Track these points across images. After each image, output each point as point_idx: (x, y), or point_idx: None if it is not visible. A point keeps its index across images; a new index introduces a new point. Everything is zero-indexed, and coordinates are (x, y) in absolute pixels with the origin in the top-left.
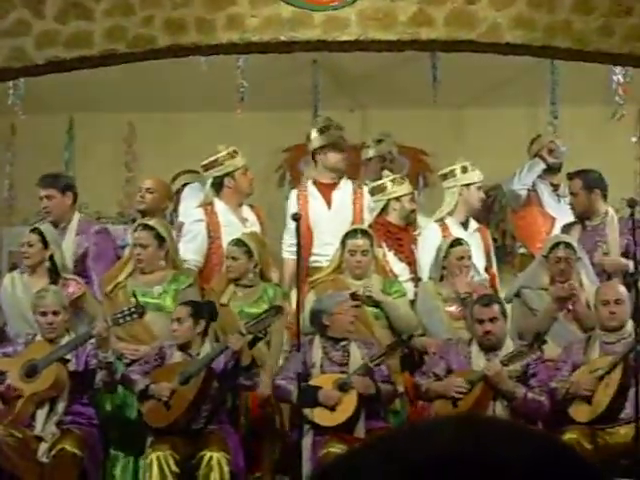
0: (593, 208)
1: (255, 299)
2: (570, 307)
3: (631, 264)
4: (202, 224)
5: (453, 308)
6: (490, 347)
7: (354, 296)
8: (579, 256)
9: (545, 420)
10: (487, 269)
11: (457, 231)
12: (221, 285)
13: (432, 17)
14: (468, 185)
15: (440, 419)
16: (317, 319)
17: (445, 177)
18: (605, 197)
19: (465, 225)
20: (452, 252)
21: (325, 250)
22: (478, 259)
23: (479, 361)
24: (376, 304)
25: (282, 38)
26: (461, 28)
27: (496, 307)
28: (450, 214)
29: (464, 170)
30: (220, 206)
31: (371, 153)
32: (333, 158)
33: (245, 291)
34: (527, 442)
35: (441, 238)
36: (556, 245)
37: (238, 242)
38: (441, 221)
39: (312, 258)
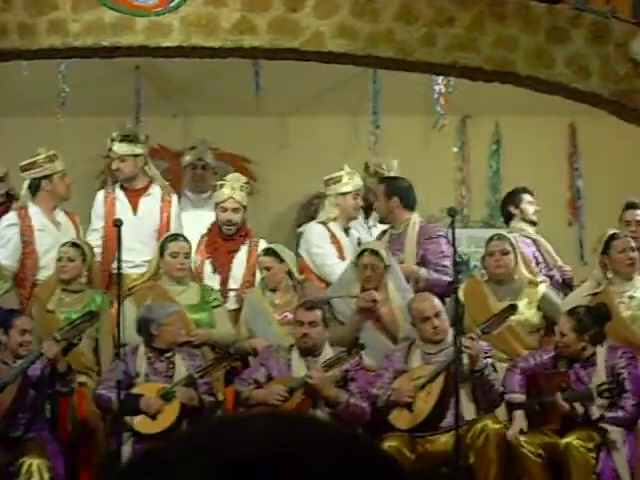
0: (392, 215)
1: (82, 306)
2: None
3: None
4: (15, 228)
5: (282, 314)
6: (306, 351)
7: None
8: (388, 264)
9: (366, 426)
10: None
11: (341, 236)
12: (47, 291)
13: (255, 24)
14: (344, 194)
15: (252, 415)
16: (145, 328)
17: (327, 184)
18: (407, 206)
19: (347, 232)
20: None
21: (128, 256)
22: None
23: (300, 367)
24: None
25: (104, 43)
26: (284, 36)
27: (318, 312)
28: (334, 220)
29: (338, 179)
30: (33, 209)
31: (186, 160)
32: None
33: (73, 297)
34: (337, 441)
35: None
36: (363, 252)
37: (74, 244)
38: (324, 224)
39: (114, 264)
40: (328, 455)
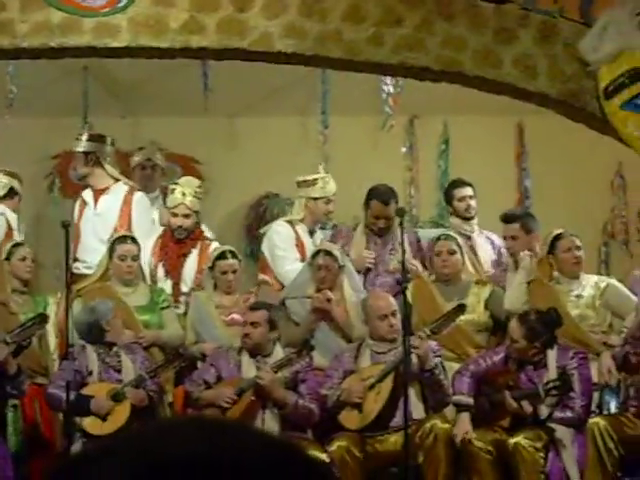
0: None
1: (33, 307)
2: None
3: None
4: None
5: (229, 315)
6: (250, 351)
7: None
8: (342, 264)
9: (315, 427)
10: None
11: (306, 238)
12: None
13: (203, 25)
14: (315, 198)
15: (184, 418)
16: (96, 327)
17: (299, 185)
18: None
19: (312, 234)
20: (217, 265)
21: (89, 256)
22: None
23: (249, 368)
24: None
25: (52, 44)
26: (232, 36)
27: (261, 313)
28: (301, 221)
29: (313, 183)
30: None
31: (135, 161)
32: (81, 170)
33: (23, 298)
34: (272, 448)
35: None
36: (317, 253)
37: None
38: (290, 224)
39: (75, 264)
40: (262, 461)
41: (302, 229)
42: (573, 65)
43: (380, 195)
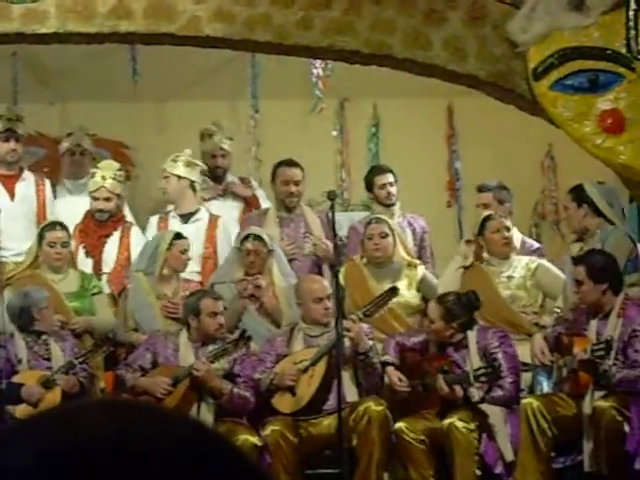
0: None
1: None
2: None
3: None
4: None
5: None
6: (194, 341)
7: None
8: (271, 248)
9: (250, 413)
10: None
11: (174, 223)
12: None
13: (131, 9)
14: (179, 177)
15: (87, 403)
16: (27, 313)
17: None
18: None
19: (187, 217)
20: (175, 245)
21: (11, 243)
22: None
23: (187, 354)
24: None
25: None
26: (160, 21)
27: (221, 303)
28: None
29: (174, 160)
30: None
31: (64, 147)
32: (2, 148)
33: None
34: (173, 429)
35: (156, 231)
36: (246, 237)
37: None
38: (165, 214)
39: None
40: (172, 447)
41: (172, 215)
42: (502, 46)
43: (284, 162)
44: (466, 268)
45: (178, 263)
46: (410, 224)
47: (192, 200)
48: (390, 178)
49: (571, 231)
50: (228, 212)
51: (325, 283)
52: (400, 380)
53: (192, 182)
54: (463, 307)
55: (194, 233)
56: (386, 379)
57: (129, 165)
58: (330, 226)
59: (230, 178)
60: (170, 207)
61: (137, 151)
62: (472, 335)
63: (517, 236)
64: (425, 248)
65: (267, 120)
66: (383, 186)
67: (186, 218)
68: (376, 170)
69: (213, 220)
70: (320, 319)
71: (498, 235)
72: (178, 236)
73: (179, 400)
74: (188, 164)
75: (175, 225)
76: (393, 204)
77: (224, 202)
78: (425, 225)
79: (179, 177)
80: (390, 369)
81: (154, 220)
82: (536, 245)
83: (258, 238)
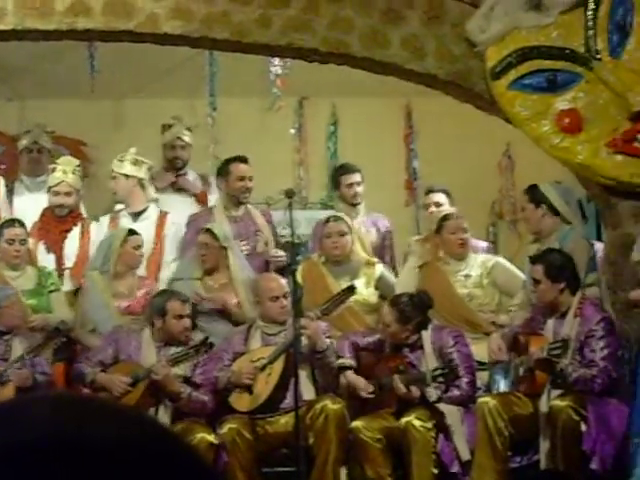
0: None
1: None
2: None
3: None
4: None
5: (123, 303)
6: (157, 340)
7: None
8: (225, 244)
9: (208, 414)
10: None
11: (125, 222)
12: None
13: (89, 6)
14: (127, 176)
15: (36, 398)
16: None
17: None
18: None
19: (137, 215)
20: (129, 241)
21: None
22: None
23: (150, 352)
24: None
25: None
26: (119, 18)
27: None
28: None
29: (120, 159)
30: None
31: (22, 144)
32: None
33: None
34: (126, 423)
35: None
36: (200, 231)
37: None
38: (115, 213)
39: None
40: (120, 442)
41: (123, 213)
42: (460, 46)
43: (237, 158)
44: (421, 267)
45: (132, 259)
46: (374, 223)
47: (142, 198)
48: (357, 178)
49: (529, 231)
50: (180, 206)
51: (282, 281)
52: (366, 386)
53: (140, 180)
54: (417, 308)
55: (144, 231)
56: (342, 380)
57: (87, 162)
58: (289, 224)
59: (191, 176)
60: (120, 206)
61: (95, 148)
62: (427, 335)
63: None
64: (387, 248)
65: (225, 118)
66: (350, 185)
67: (136, 216)
68: (343, 169)
69: (162, 217)
70: (277, 317)
71: (454, 236)
72: (131, 232)
73: (137, 400)
74: (135, 162)
75: (127, 224)
76: (359, 203)
77: (177, 196)
78: (389, 225)
79: (127, 176)
80: (350, 374)
81: (105, 220)
82: (483, 244)
83: (209, 231)
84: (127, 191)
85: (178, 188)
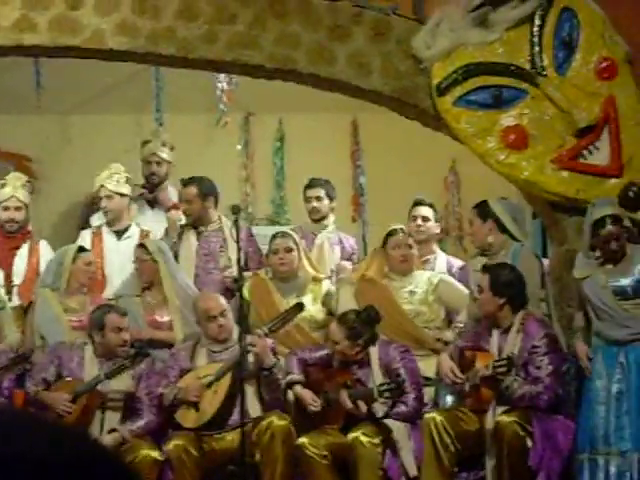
0: (207, 215)
1: None
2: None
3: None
4: None
5: (74, 318)
6: (99, 355)
7: None
8: (156, 259)
9: (155, 432)
10: None
11: (109, 239)
12: None
13: (36, 22)
14: (122, 195)
15: None
16: None
17: None
18: (217, 204)
19: (121, 233)
20: (79, 258)
21: None
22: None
23: (92, 368)
24: None
25: None
26: (64, 34)
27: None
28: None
29: (116, 179)
30: None
31: None
32: None
33: None
34: (58, 439)
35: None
36: (137, 247)
37: None
38: (97, 228)
39: None
40: (44, 455)
41: (106, 230)
42: (406, 62)
43: (182, 181)
44: (365, 283)
45: (83, 276)
46: (341, 241)
47: (128, 216)
48: (317, 192)
49: (475, 246)
50: (158, 224)
51: (220, 300)
52: (314, 400)
53: (130, 198)
54: (365, 323)
55: (127, 248)
56: (290, 395)
57: (32, 178)
58: (235, 240)
59: (171, 192)
60: (98, 222)
61: (41, 164)
62: (374, 351)
63: (442, 258)
64: (339, 263)
65: (172, 134)
66: (309, 199)
67: (120, 234)
68: (308, 183)
69: (143, 237)
70: (216, 337)
71: (397, 252)
72: (81, 249)
73: (79, 413)
74: (127, 180)
75: (111, 241)
76: (317, 219)
77: (150, 211)
78: (355, 247)
79: (122, 195)
80: (299, 388)
81: (87, 234)
82: (459, 263)
83: (142, 246)
84: (120, 209)
85: (152, 203)
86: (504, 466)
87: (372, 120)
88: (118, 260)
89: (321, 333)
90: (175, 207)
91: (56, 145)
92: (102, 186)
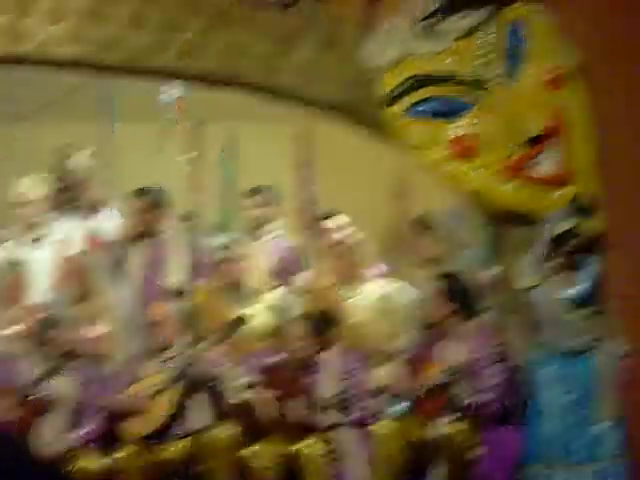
0: (158, 224)
1: None
2: None
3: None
4: None
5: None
6: None
7: None
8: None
9: (100, 440)
10: None
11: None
12: None
13: None
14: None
15: None
16: None
17: None
18: (167, 213)
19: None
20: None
21: None
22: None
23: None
24: None
25: None
26: (11, 43)
27: None
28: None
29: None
30: None
31: None
32: None
33: None
34: None
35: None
36: None
37: None
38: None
39: None
40: None
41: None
42: (355, 72)
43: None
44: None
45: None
46: (276, 247)
47: None
48: (254, 201)
49: (420, 257)
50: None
51: (165, 309)
52: (267, 400)
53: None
54: (327, 322)
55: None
56: (240, 401)
57: None
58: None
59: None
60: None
61: None
62: (327, 359)
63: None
64: (287, 271)
65: (121, 143)
66: (247, 208)
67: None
68: (245, 192)
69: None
70: (162, 345)
71: (342, 262)
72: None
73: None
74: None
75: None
76: (254, 227)
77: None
78: (292, 247)
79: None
80: (249, 393)
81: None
82: (381, 268)
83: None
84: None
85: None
86: (452, 475)
87: (320, 131)
88: None
89: (269, 342)
90: None
91: (1, 156)
92: None
